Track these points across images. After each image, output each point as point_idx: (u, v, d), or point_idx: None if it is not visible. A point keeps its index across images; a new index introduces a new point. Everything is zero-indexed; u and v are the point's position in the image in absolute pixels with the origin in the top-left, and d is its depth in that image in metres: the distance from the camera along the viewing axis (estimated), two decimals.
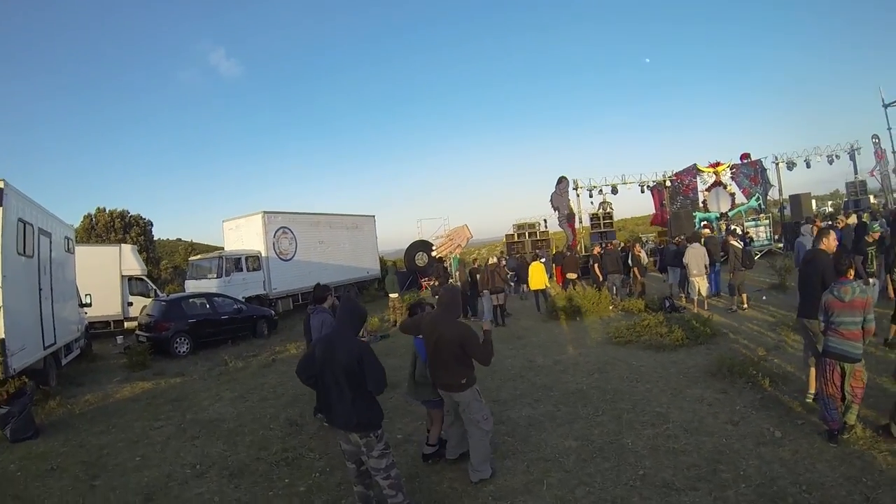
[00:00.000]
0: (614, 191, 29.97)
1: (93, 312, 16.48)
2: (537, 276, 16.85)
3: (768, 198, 29.06)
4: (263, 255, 20.30)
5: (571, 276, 18.99)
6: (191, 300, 15.89)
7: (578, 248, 28.64)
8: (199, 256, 20.74)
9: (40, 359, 10.30)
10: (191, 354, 14.79)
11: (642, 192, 30.91)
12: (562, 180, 29.13)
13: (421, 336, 5.84)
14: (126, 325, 19.30)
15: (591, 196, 30.12)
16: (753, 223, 27.22)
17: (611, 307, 15.43)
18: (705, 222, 26.85)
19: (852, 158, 27.88)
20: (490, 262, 16.77)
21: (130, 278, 19.85)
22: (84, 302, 14.78)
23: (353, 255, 25.38)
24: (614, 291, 16.90)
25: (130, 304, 19.51)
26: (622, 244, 22.93)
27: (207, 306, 15.87)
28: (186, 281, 20.17)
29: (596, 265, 17.97)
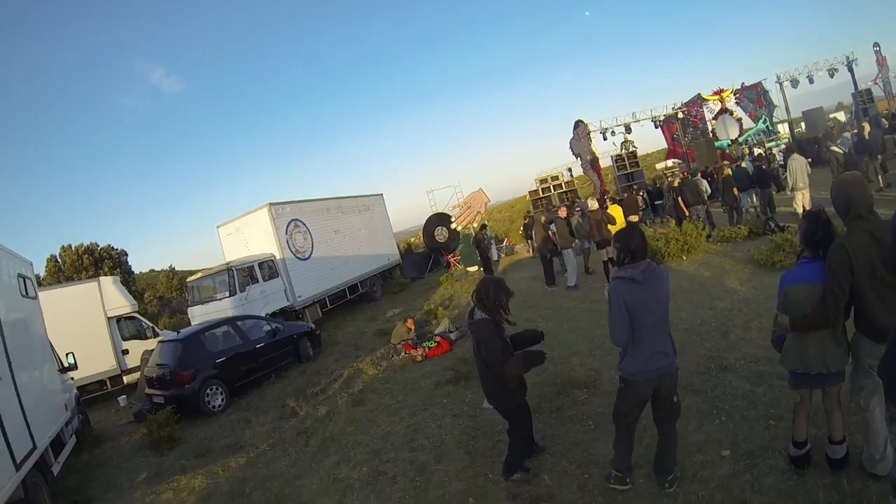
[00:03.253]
0: (628, 129, 27.18)
1: (80, 374, 11.44)
2: (619, 219, 13.45)
3: (774, 118, 27.67)
4: (278, 257, 15.37)
5: (633, 218, 15.90)
6: (210, 332, 10.92)
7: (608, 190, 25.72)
8: (199, 275, 15.46)
9: (17, 485, 5.48)
10: (230, 406, 10.03)
11: (656, 127, 28.25)
12: (579, 124, 26.01)
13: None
14: (126, 379, 14.15)
15: (605, 138, 27.20)
16: (775, 143, 25.53)
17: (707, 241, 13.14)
18: (720, 150, 25.76)
19: (850, 70, 26.91)
20: (591, 208, 12.72)
21: (119, 319, 14.61)
22: (66, 364, 9.85)
23: (371, 242, 20.52)
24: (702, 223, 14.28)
25: (126, 351, 14.32)
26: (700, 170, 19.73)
27: (235, 336, 11.01)
28: (189, 309, 14.98)
29: (679, 198, 15.03)
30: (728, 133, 26.75)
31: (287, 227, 15.89)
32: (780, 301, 3.66)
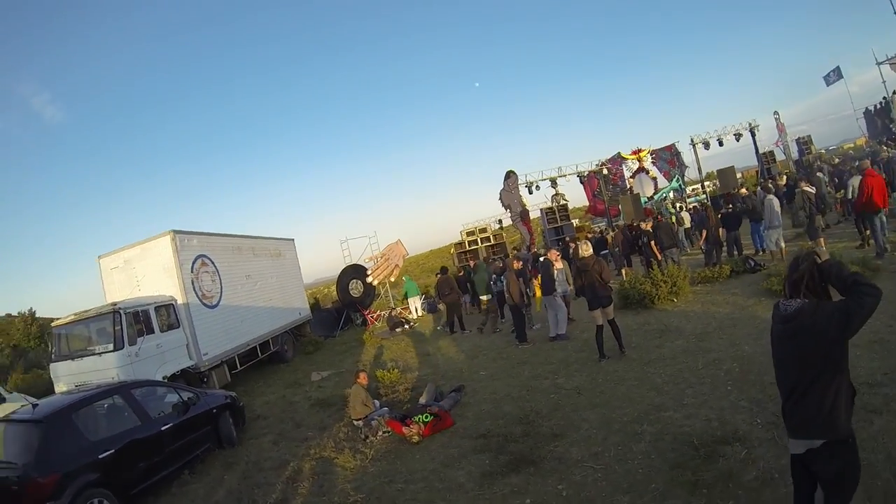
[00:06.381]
0: (553, 184, 26.53)
1: None
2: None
3: (685, 178, 28.98)
4: (180, 301, 11.13)
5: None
6: (89, 408, 6.66)
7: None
8: (70, 318, 10.42)
9: None
10: None
11: (581, 182, 27.80)
12: (510, 175, 24.61)
13: None
14: None
15: (530, 192, 26.22)
16: (695, 199, 27.16)
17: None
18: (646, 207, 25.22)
19: (752, 135, 28.70)
20: (584, 254, 9.16)
21: None
22: None
23: (283, 293, 16.47)
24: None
25: None
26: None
27: (129, 412, 6.88)
28: (53, 365, 10.13)
29: (652, 242, 13.77)
30: (644, 191, 27.00)
31: (193, 263, 11.76)
32: None
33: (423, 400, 8.18)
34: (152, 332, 10.17)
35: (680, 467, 4.64)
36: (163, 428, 6.99)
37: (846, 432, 2.71)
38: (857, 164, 14.78)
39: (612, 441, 5.49)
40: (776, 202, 12.55)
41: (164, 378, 9.60)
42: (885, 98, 22.44)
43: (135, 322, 9.84)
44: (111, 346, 9.35)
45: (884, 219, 11.25)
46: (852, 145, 35.84)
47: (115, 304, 9.85)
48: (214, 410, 8.21)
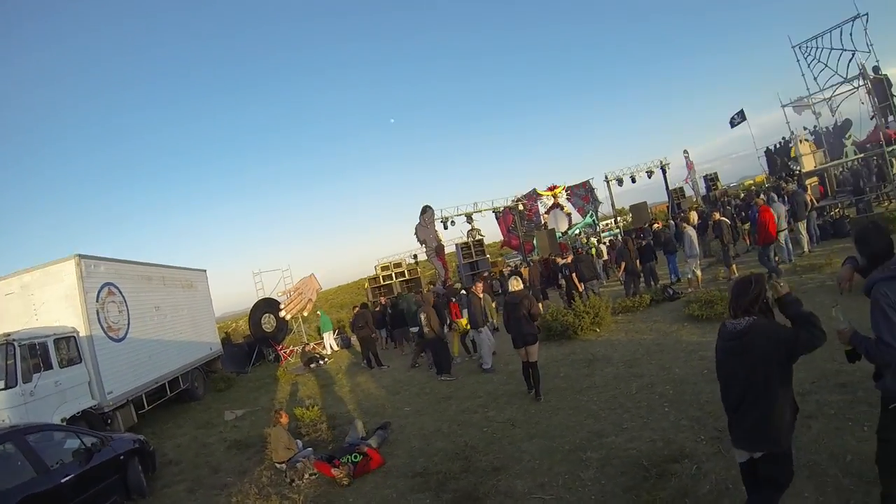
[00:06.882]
0: (469, 219, 26.91)
1: None
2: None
3: (599, 213, 30.06)
4: (83, 333, 10.02)
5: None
6: None
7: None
8: None
9: None
10: None
11: (496, 218, 28.41)
12: (426, 210, 24.50)
13: None
14: None
15: (445, 227, 26.21)
16: (609, 234, 28.06)
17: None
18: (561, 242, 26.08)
19: (663, 172, 30.54)
20: (514, 288, 8.65)
21: None
22: None
23: (193, 326, 15.34)
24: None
25: None
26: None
27: (22, 462, 5.93)
28: None
29: (573, 274, 13.90)
30: (559, 226, 27.84)
31: (99, 292, 10.71)
32: None
33: (349, 438, 7.71)
34: (50, 367, 9.03)
35: (634, 489, 4.62)
36: (63, 480, 6.10)
37: (787, 445, 3.01)
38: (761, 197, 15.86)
39: (557, 470, 5.40)
40: (694, 234, 13.08)
41: (62, 420, 8.56)
42: (784, 138, 24.52)
43: (30, 356, 8.69)
44: (2, 384, 8.20)
45: (788, 243, 13.06)
46: (752, 182, 38.99)
47: (8, 334, 8.65)
48: (122, 457, 7.34)
